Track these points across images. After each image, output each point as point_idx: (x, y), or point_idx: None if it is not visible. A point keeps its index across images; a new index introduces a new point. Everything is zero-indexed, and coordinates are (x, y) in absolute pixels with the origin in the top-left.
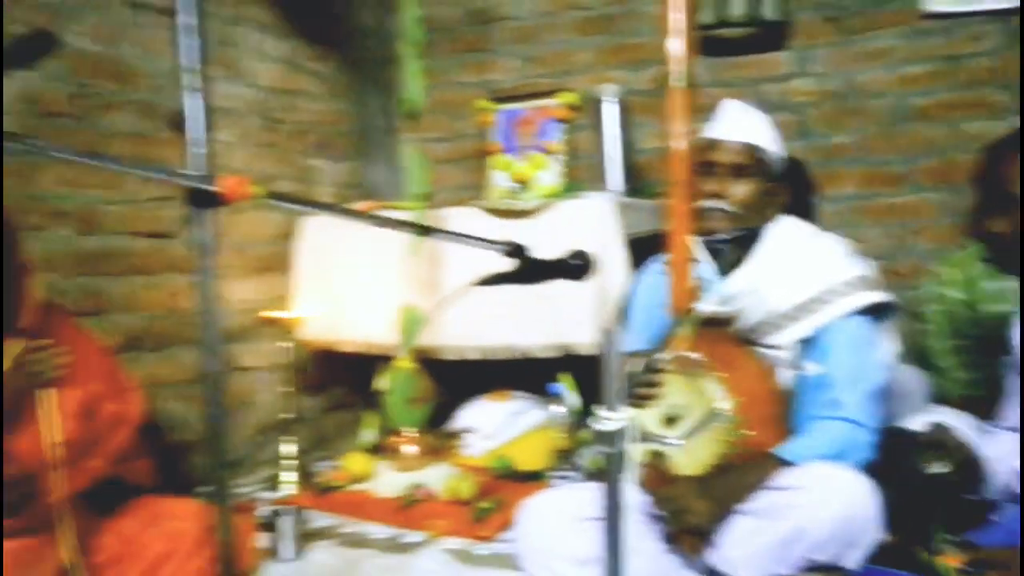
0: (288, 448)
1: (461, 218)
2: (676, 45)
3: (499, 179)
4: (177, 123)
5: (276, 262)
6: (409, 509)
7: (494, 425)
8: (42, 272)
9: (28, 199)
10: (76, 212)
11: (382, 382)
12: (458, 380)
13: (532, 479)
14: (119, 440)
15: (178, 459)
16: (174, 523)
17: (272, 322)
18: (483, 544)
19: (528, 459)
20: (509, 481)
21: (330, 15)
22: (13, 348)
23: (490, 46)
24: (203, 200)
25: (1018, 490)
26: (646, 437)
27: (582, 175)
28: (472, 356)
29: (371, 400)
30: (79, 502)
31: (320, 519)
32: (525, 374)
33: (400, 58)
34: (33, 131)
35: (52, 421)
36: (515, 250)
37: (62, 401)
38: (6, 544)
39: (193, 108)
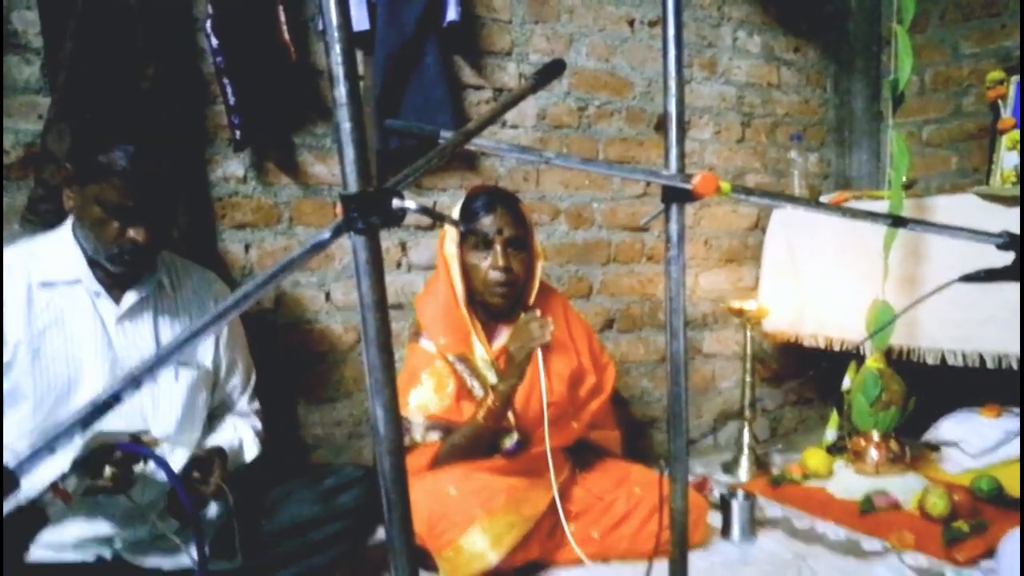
0: (745, 436)
1: (953, 207)
2: None
3: (1010, 160)
4: (659, 126)
5: (744, 253)
6: (868, 515)
7: (982, 442)
8: (544, 260)
9: (537, 200)
10: (571, 210)
11: (848, 381)
12: (937, 387)
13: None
14: (596, 409)
15: (642, 431)
16: (635, 488)
17: (737, 312)
18: (955, 568)
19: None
20: (994, 506)
21: (811, 1)
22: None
23: (995, 9)
24: (676, 196)
25: None
26: None
27: None
28: (954, 361)
29: (834, 398)
30: (562, 456)
31: (772, 509)
32: (1018, 387)
33: (888, 37)
34: (544, 142)
35: (543, 382)
36: (1011, 242)
37: (553, 367)
38: (506, 481)
39: (672, 112)
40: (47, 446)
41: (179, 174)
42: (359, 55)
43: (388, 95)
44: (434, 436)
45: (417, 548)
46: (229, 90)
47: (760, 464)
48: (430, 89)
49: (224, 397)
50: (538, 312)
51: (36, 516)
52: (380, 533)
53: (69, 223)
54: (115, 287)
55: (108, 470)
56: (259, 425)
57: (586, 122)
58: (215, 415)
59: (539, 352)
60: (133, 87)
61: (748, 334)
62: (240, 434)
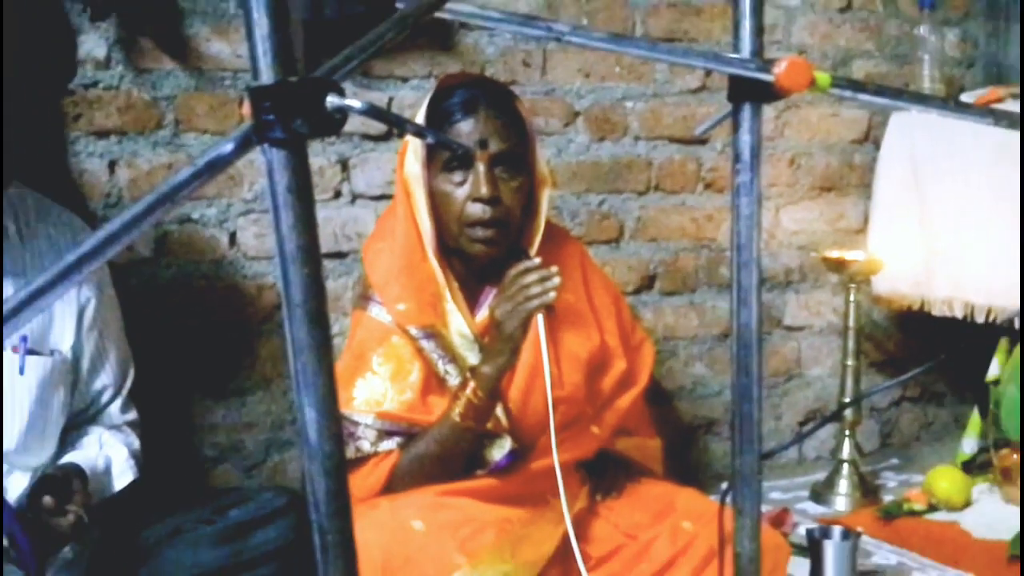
0: (845, 447)
1: None
2: None
3: None
4: None
5: (847, 179)
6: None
7: None
8: (552, 187)
9: (543, 96)
10: (593, 111)
11: (996, 368)
12: None
13: None
14: (625, 405)
15: (694, 439)
16: (683, 522)
17: (835, 266)
18: None
19: None
20: None
21: None
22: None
23: None
24: (748, 92)
25: None
26: None
27: None
28: None
29: (976, 392)
30: (577, 474)
31: (882, 553)
32: None
33: None
34: (554, 9)
35: (548, 367)
36: None
37: (563, 346)
38: (496, 511)
39: None
40: None
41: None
42: None
43: None
44: (390, 444)
45: None
46: None
47: (866, 488)
48: None
49: (88, 400)
50: (538, 261)
51: None
52: None
53: None
54: None
55: None
56: (136, 443)
57: None
58: (73, 425)
59: (541, 321)
60: None
61: (852, 298)
62: (108, 452)
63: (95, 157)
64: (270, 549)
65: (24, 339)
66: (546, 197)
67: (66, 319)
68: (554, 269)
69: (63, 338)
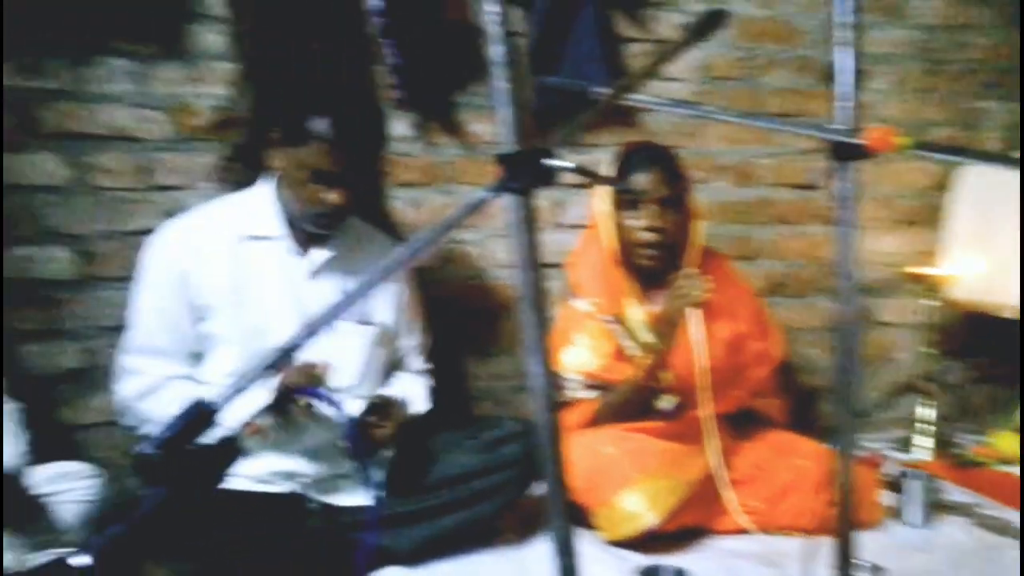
0: (925, 411)
1: None
2: None
3: None
4: (828, 77)
5: (926, 215)
6: None
7: None
8: (704, 219)
9: (695, 155)
10: (733, 166)
11: None
12: None
13: None
14: (759, 376)
15: (808, 401)
16: (799, 460)
17: (917, 278)
18: None
19: None
20: None
21: None
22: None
23: None
24: (847, 152)
25: None
26: None
27: None
28: None
29: None
30: (722, 423)
31: (954, 493)
32: None
33: None
34: (704, 96)
35: (702, 345)
36: None
37: (713, 331)
38: (663, 444)
39: (842, 61)
40: (238, 386)
41: (372, 139)
42: (519, 12)
43: (545, 51)
44: (589, 394)
45: (575, 503)
46: (391, 51)
47: (942, 444)
48: (587, 43)
49: (398, 355)
50: (696, 271)
51: (233, 449)
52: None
53: (269, 181)
54: (309, 245)
55: (295, 407)
56: (429, 383)
57: (750, 73)
58: (389, 372)
59: (695, 313)
60: (306, 53)
61: (929, 302)
62: (411, 390)
63: (400, 200)
64: (513, 458)
65: (361, 314)
66: (700, 227)
67: (387, 302)
68: (706, 277)
69: (386, 316)
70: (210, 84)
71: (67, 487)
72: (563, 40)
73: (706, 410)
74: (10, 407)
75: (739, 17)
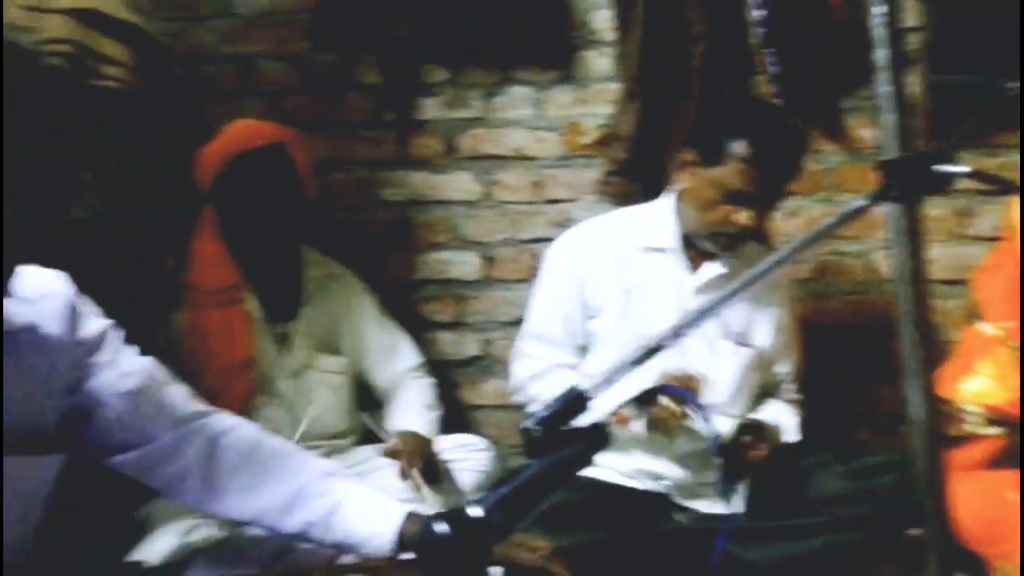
0: None
1: None
2: None
3: None
4: None
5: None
6: None
7: None
8: None
9: None
10: None
11: None
12: None
13: None
14: None
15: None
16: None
17: None
18: None
19: None
20: None
21: None
22: None
23: None
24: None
25: None
26: None
27: None
28: None
29: None
30: None
31: None
32: None
33: None
34: None
35: None
36: None
37: None
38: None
39: None
40: (608, 377)
41: (789, 161)
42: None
43: (944, 43)
44: (991, 430)
45: (974, 553)
46: (772, 59)
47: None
48: (997, 28)
49: (772, 381)
50: None
51: (601, 435)
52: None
53: (668, 197)
54: (700, 261)
55: (664, 410)
56: (800, 414)
57: None
58: (761, 397)
59: None
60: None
61: None
62: (782, 417)
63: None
64: (884, 490)
65: (739, 335)
66: None
67: (766, 324)
68: None
69: (763, 337)
70: (596, 104)
71: (464, 456)
72: (966, 28)
73: None
74: (426, 381)
75: None
